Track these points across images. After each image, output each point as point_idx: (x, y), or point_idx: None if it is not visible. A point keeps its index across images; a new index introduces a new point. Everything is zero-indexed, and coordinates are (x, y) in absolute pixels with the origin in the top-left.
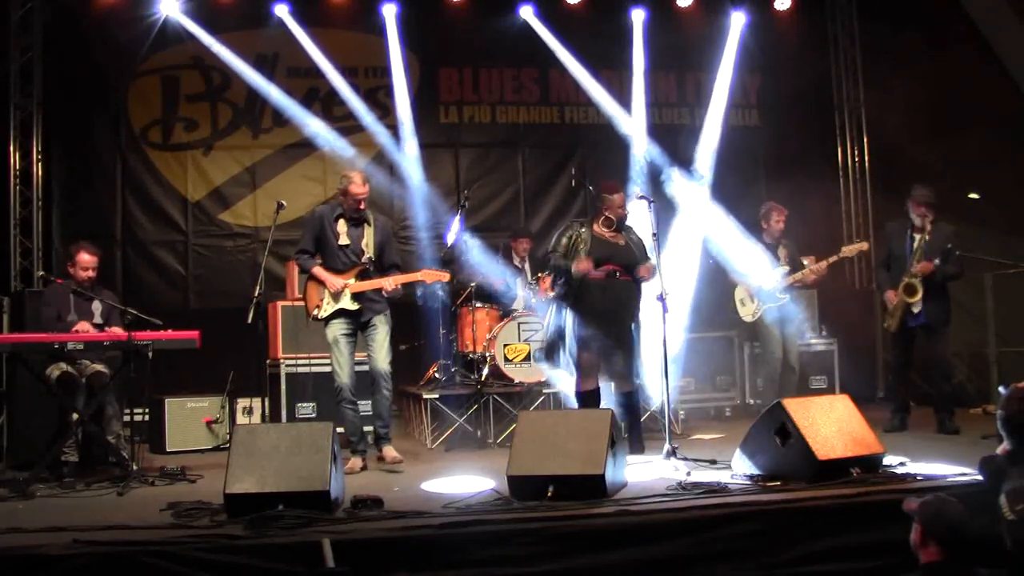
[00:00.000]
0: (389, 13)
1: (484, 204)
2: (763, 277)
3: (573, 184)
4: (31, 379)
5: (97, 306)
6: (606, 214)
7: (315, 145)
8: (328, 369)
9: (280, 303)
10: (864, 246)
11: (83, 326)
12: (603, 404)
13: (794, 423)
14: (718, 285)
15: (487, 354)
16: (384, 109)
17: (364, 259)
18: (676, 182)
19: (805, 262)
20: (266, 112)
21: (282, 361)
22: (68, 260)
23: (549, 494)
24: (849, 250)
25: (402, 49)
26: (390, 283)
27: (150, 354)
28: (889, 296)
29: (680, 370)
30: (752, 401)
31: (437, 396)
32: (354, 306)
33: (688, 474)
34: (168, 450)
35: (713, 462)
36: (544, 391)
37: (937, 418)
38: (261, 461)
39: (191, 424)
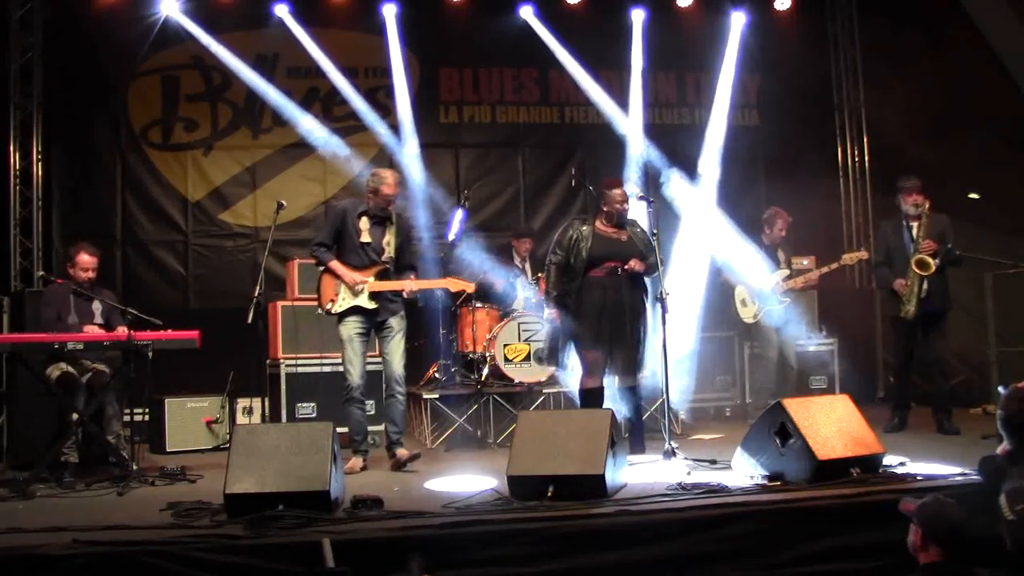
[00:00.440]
0: (389, 13)
1: (484, 204)
2: (762, 279)
3: (573, 184)
4: (31, 379)
5: (97, 306)
6: (607, 210)
7: (315, 145)
8: (328, 369)
9: (280, 303)
10: (864, 254)
11: (90, 328)
12: (606, 398)
13: (794, 423)
14: (718, 285)
15: (487, 354)
16: (384, 109)
17: (384, 258)
18: (676, 182)
19: (805, 262)
20: (266, 112)
21: (282, 361)
22: (68, 261)
23: (549, 494)
24: (849, 258)
25: (402, 49)
26: (412, 286)
27: (150, 354)
28: (899, 285)
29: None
30: (752, 401)
31: (437, 396)
32: (371, 305)
33: (688, 474)
34: (168, 450)
35: (713, 462)
36: (544, 391)
37: (936, 419)
38: (261, 461)
39: (191, 424)
